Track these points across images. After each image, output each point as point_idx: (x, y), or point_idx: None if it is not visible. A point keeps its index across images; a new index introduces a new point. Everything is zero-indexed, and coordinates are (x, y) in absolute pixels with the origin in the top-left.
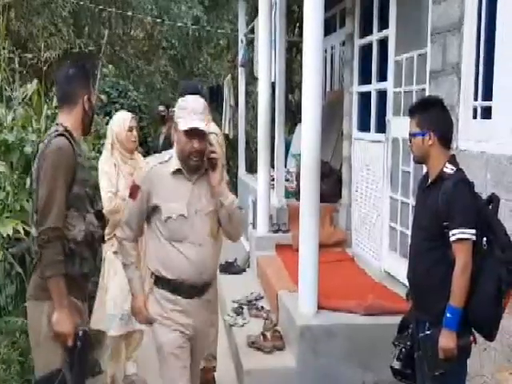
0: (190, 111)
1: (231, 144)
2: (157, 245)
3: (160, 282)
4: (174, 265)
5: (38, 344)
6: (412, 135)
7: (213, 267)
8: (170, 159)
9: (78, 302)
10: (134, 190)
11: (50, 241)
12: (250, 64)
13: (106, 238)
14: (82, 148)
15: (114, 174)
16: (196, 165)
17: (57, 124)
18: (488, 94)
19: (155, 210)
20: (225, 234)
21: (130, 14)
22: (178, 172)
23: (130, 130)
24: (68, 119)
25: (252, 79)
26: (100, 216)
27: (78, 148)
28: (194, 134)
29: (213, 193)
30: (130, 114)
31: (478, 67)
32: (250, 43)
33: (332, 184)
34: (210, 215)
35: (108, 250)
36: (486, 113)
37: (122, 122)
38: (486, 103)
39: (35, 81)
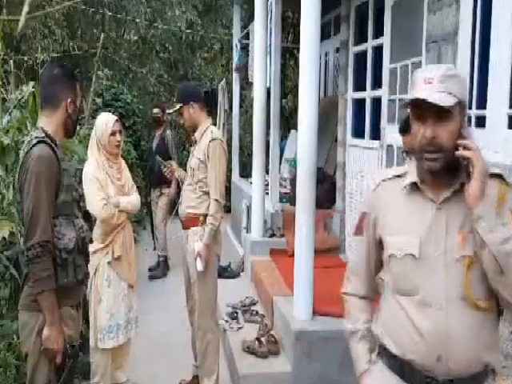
0: (422, 79)
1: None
2: (382, 297)
3: (383, 353)
4: (397, 331)
5: (28, 356)
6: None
7: (469, 355)
8: (407, 171)
9: (73, 310)
10: (359, 222)
11: (38, 256)
12: (244, 69)
13: (99, 246)
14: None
15: (105, 180)
16: (432, 168)
17: (36, 128)
18: (482, 103)
19: (380, 245)
20: (500, 298)
21: (123, 16)
22: (414, 187)
23: (113, 134)
24: (49, 122)
25: (246, 84)
26: (87, 218)
27: (60, 153)
28: (426, 113)
29: (471, 218)
30: (113, 116)
31: (473, 76)
32: (245, 48)
33: (326, 190)
34: (465, 262)
35: (101, 260)
36: (480, 122)
37: (104, 125)
38: (480, 112)
39: (31, 83)
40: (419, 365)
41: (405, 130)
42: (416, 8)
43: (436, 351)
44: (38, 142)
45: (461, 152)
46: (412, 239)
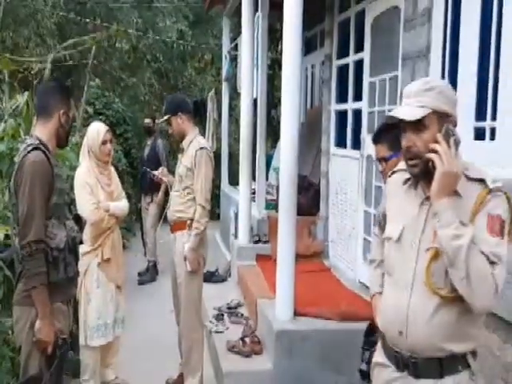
0: (403, 94)
1: (215, 157)
2: None
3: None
4: (383, 304)
5: (21, 348)
6: (386, 159)
7: (424, 335)
8: None
9: (64, 305)
10: None
11: (32, 253)
12: (233, 79)
13: (89, 248)
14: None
15: (95, 185)
16: (412, 173)
17: (31, 136)
18: None
19: None
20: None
21: (115, 27)
22: (409, 182)
23: (104, 143)
24: (43, 131)
25: (235, 94)
26: (78, 220)
27: (53, 159)
28: (405, 126)
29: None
30: (104, 126)
31: None
32: (234, 59)
33: (311, 197)
34: (433, 254)
35: (91, 262)
36: None
37: (95, 134)
38: None
39: (26, 92)
40: (388, 338)
41: (377, 139)
42: (393, 26)
43: (397, 326)
44: (33, 149)
45: (428, 154)
46: (397, 226)
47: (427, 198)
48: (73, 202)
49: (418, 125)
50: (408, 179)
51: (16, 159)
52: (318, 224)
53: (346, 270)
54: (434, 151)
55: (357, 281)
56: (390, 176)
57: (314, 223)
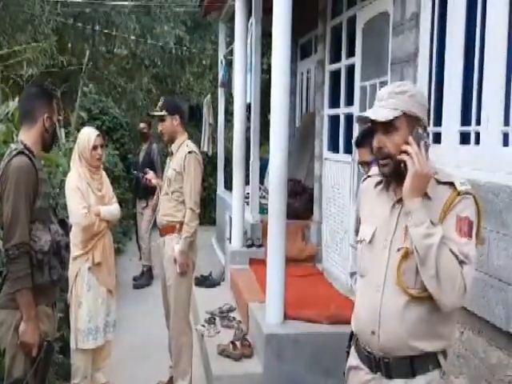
0: (376, 97)
1: (211, 161)
2: None
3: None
4: (356, 307)
5: (5, 351)
6: (368, 163)
7: (395, 334)
8: None
9: (48, 308)
10: None
11: (17, 257)
12: (229, 84)
13: (79, 252)
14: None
15: (86, 190)
16: (383, 173)
17: (17, 141)
18: (438, 121)
19: None
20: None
21: (113, 33)
22: (381, 185)
23: (95, 148)
24: (28, 136)
25: (232, 99)
26: (63, 224)
27: (38, 163)
28: (376, 127)
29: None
30: (95, 131)
31: (430, 95)
32: (230, 64)
33: (305, 202)
34: (404, 254)
35: (82, 266)
36: (437, 138)
37: (86, 139)
38: (436, 129)
39: (17, 98)
40: (361, 339)
41: (359, 143)
42: (383, 31)
43: (370, 326)
44: (18, 154)
45: (400, 156)
46: (370, 228)
47: (398, 201)
48: (58, 205)
49: (389, 126)
50: (379, 182)
51: (1, 164)
52: (312, 228)
53: (338, 273)
54: (406, 153)
55: (349, 284)
56: (362, 181)
57: (308, 227)
